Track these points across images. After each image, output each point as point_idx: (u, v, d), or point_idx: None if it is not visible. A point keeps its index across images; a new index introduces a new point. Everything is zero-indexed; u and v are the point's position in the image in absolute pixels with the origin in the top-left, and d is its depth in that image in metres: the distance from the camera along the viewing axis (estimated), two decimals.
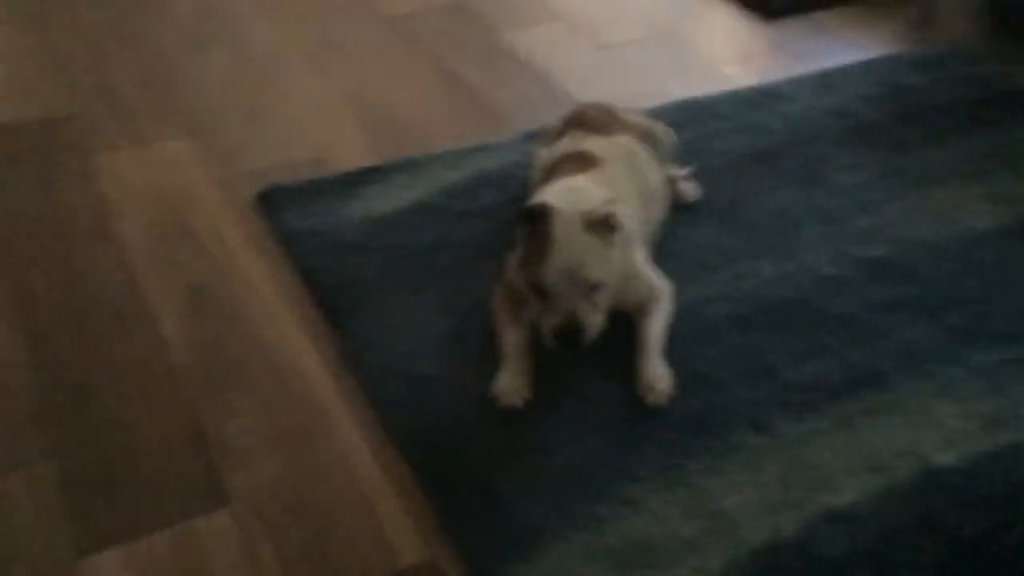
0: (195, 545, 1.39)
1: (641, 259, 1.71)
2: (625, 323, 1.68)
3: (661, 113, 2.17)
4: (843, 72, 2.46)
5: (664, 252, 1.86)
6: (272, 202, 2.00)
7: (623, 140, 1.83)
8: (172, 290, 1.81)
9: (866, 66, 2.49)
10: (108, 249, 1.91)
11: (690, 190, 2.02)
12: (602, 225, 1.54)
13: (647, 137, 1.90)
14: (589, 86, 2.42)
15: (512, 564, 1.34)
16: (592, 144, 1.80)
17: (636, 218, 1.72)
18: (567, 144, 1.83)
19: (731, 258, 1.88)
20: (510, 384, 1.58)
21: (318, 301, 1.78)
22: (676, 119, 2.17)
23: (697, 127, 2.24)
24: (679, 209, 1.97)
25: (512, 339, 1.63)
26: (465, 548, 1.37)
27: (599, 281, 1.54)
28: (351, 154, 2.19)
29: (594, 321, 1.55)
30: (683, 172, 2.03)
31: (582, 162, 1.76)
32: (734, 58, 2.60)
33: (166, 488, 1.46)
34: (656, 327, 1.67)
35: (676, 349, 1.66)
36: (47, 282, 1.83)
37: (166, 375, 1.64)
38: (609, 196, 1.60)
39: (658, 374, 1.59)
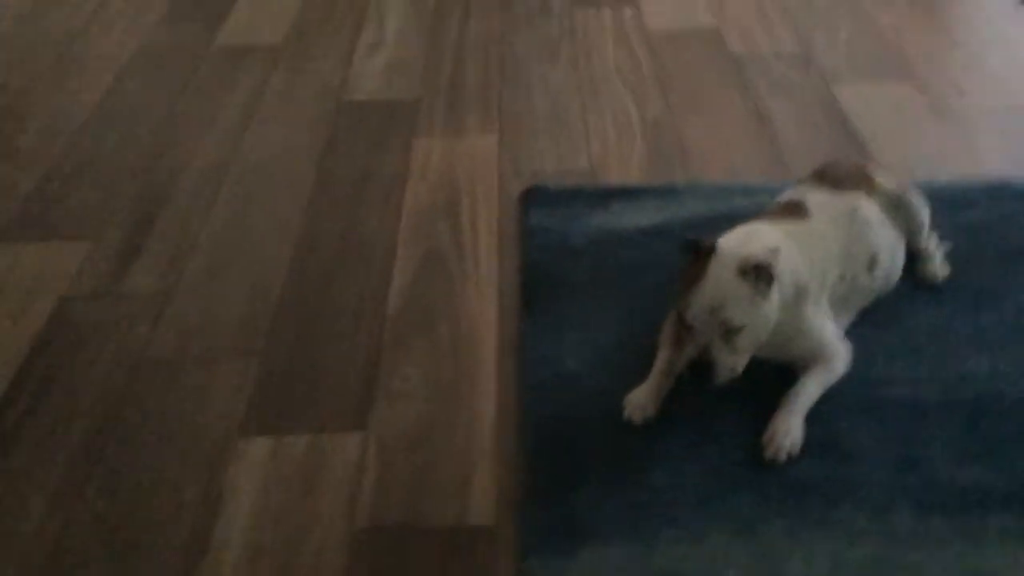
0: (321, 454, 1.63)
1: (816, 317, 1.66)
2: (786, 376, 1.66)
3: (965, 191, 2.07)
4: None
5: (874, 322, 1.78)
6: (531, 199, 2.20)
7: (850, 198, 1.78)
8: (415, 251, 2.08)
9: None
10: (388, 209, 2.23)
11: (935, 269, 1.89)
12: (756, 271, 1.55)
13: (893, 204, 1.83)
14: (906, 153, 2.33)
15: (552, 556, 1.42)
16: (813, 196, 1.78)
17: (828, 276, 1.68)
18: (793, 192, 1.83)
19: (944, 345, 1.75)
20: (639, 399, 1.63)
21: (521, 285, 1.95)
22: (974, 197, 2.06)
23: (992, 208, 2.08)
24: (914, 284, 1.87)
25: (662, 359, 1.68)
26: (521, 527, 1.47)
27: (739, 325, 1.55)
28: (625, 170, 2.32)
29: (728, 362, 1.56)
30: (936, 248, 1.91)
31: (790, 212, 1.75)
32: None
33: (325, 403, 1.72)
34: (809, 385, 1.63)
35: (831, 417, 1.61)
36: (334, 222, 2.18)
37: (374, 316, 1.91)
38: (776, 246, 1.59)
39: (786, 428, 1.56)
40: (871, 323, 1.79)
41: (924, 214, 1.88)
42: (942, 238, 1.96)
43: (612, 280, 1.95)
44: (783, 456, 1.54)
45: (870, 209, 1.79)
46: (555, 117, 2.57)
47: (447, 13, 3.18)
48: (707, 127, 2.50)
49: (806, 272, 1.65)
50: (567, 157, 2.40)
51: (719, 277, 1.55)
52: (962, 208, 2.08)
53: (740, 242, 1.61)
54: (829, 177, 1.85)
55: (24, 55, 3.01)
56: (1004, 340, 1.75)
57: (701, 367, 1.56)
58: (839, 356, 1.67)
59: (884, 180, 1.86)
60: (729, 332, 1.55)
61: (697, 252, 1.60)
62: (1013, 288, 1.87)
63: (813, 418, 1.61)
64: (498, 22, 3.10)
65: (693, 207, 2.15)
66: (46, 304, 1.98)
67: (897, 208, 1.84)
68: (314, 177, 2.36)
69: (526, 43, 2.96)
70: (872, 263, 1.77)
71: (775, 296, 1.58)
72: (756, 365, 1.62)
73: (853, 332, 1.76)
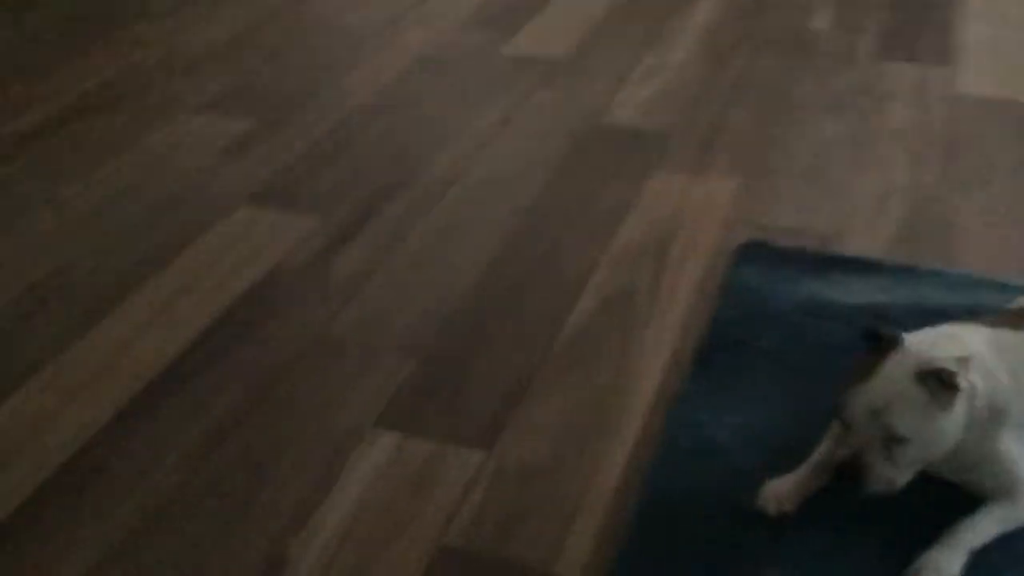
0: (439, 463, 1.60)
1: (1013, 445, 1.40)
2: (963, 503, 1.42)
3: None
4: None
5: None
6: (744, 254, 2.04)
7: None
8: (608, 286, 2.00)
9: None
10: (597, 238, 2.16)
11: None
12: (936, 379, 1.33)
13: None
14: None
15: None
16: None
17: None
18: None
19: None
20: (779, 489, 1.46)
21: (700, 341, 1.81)
22: None
23: None
24: None
25: (819, 452, 1.50)
26: None
27: (903, 435, 1.34)
28: (869, 240, 2.10)
29: (884, 474, 1.36)
30: None
31: (1018, 319, 1.49)
32: None
33: (461, 415, 1.69)
34: (984, 520, 1.38)
35: (1000, 568, 1.35)
36: (538, 242, 2.15)
37: (541, 342, 1.86)
38: (969, 354, 1.36)
39: (937, 565, 1.33)
40: None
41: None
42: None
43: (801, 356, 1.76)
44: None
45: None
46: (811, 171, 2.38)
47: (737, 50, 3.05)
48: (983, 208, 2.21)
49: (1009, 391, 1.40)
50: (807, 215, 2.21)
51: (891, 377, 1.36)
52: None
53: (931, 342, 1.40)
54: None
55: (330, 40, 3.24)
56: None
57: (852, 470, 1.37)
58: None
59: None
60: (890, 440, 1.34)
61: (878, 343, 1.40)
62: None
63: (979, 565, 1.36)
64: (788, 65, 2.93)
65: (928, 294, 1.90)
66: (257, 270, 2.10)
67: None
68: (537, 194, 2.34)
69: (810, 90, 2.77)
70: None
71: (959, 412, 1.35)
72: (927, 481, 1.40)
73: None
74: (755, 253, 2.05)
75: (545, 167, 2.45)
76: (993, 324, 1.50)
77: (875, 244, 2.10)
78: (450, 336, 1.89)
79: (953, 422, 1.35)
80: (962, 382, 1.33)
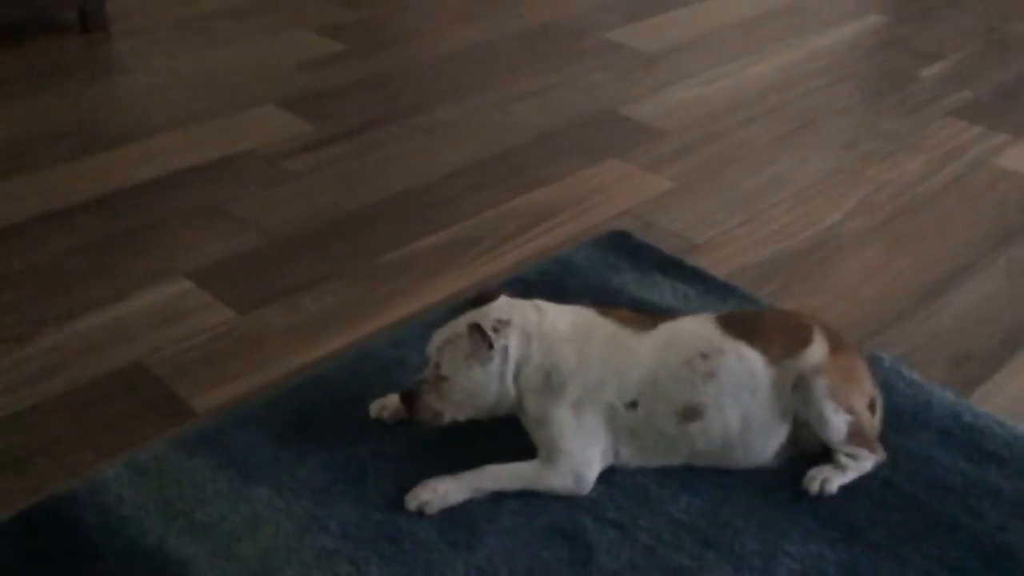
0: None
1: (567, 419, 1.55)
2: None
3: None
4: None
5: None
6: (607, 237, 2.20)
7: (724, 344, 1.59)
8: (476, 226, 2.24)
9: None
10: (512, 192, 2.39)
11: (821, 475, 1.56)
12: (479, 333, 1.52)
13: (794, 383, 1.55)
14: None
15: None
16: (696, 323, 1.62)
17: (607, 392, 1.56)
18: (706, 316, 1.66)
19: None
20: (385, 401, 1.68)
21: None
22: None
23: None
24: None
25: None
26: None
27: (445, 375, 1.56)
28: (722, 262, 2.17)
29: (431, 406, 1.57)
30: (847, 462, 1.56)
31: (646, 321, 1.62)
32: None
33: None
34: (510, 473, 1.56)
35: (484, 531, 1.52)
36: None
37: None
38: (511, 321, 1.56)
39: (438, 487, 1.53)
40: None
41: (836, 422, 1.55)
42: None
43: None
44: (412, 506, 1.51)
45: (737, 366, 1.56)
46: (742, 199, 2.42)
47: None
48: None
49: (573, 371, 1.55)
50: (699, 228, 2.29)
51: (457, 324, 1.58)
52: None
53: (509, 308, 1.59)
54: (750, 321, 1.63)
55: None
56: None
57: (409, 398, 1.59)
58: (565, 472, 1.54)
59: (807, 358, 1.56)
60: (439, 378, 1.56)
61: (480, 297, 1.60)
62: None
63: (473, 510, 1.53)
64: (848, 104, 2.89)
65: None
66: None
67: (797, 390, 1.55)
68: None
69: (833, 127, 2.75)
70: (690, 414, 1.55)
71: (494, 368, 1.54)
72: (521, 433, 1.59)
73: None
74: (614, 240, 2.19)
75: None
76: (602, 313, 1.63)
77: (729, 268, 2.16)
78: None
79: (489, 375, 1.54)
80: (496, 342, 1.50)
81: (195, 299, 2.00)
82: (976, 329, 2.01)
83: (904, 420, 1.72)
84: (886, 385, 1.77)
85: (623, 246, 2.18)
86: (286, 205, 2.32)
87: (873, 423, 1.63)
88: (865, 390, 1.61)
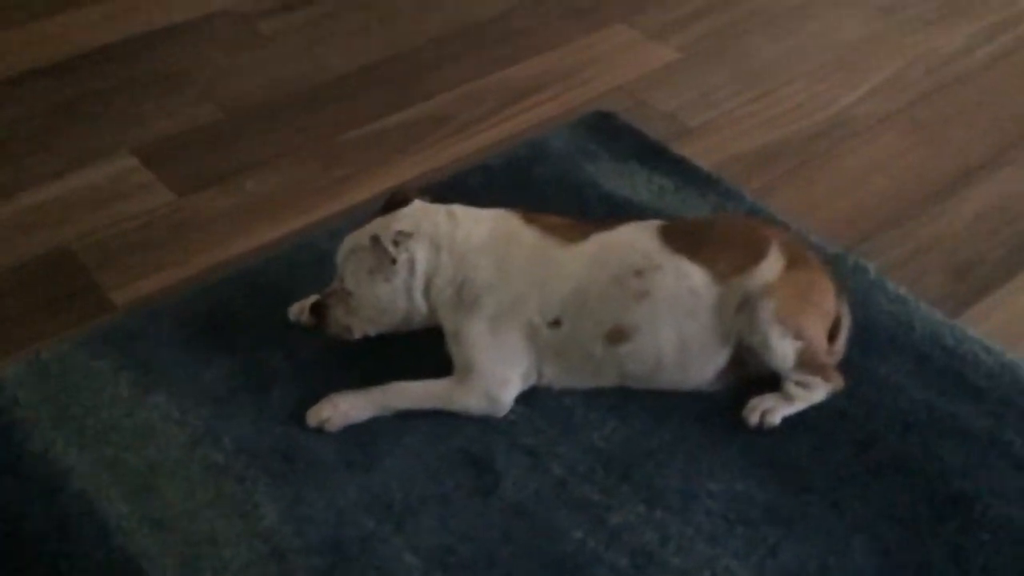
0: None
1: (482, 336, 1.42)
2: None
3: None
4: None
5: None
6: (590, 118, 2.01)
7: (663, 259, 1.42)
8: (456, 100, 2.07)
9: None
10: (504, 62, 2.20)
11: (763, 404, 1.41)
12: (379, 247, 1.40)
13: (740, 304, 1.39)
14: None
15: None
16: (634, 231, 1.47)
17: (527, 308, 1.42)
18: (649, 223, 1.49)
19: None
20: (304, 304, 1.57)
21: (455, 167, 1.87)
22: None
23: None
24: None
25: None
26: None
27: (349, 289, 1.45)
28: (711, 151, 1.96)
29: (340, 320, 1.47)
30: (797, 390, 1.40)
31: (583, 227, 1.46)
32: None
33: None
34: (419, 390, 1.44)
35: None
36: None
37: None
38: (414, 233, 1.42)
39: (340, 401, 1.43)
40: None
41: (782, 348, 1.38)
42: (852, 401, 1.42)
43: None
44: (312, 422, 1.42)
45: (675, 285, 1.40)
46: (748, 77, 2.18)
47: None
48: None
49: (489, 284, 1.42)
50: (692, 110, 2.08)
51: (360, 234, 1.46)
52: None
53: (418, 216, 1.45)
54: (698, 232, 1.45)
55: None
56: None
57: (318, 310, 1.48)
58: (479, 392, 1.42)
59: (757, 276, 1.39)
60: (344, 291, 1.45)
61: (391, 200, 1.48)
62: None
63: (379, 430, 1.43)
64: None
65: (694, 209, 1.78)
66: None
67: (741, 312, 1.38)
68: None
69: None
70: (618, 336, 1.40)
71: (399, 282, 1.42)
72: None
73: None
74: (596, 122, 2.00)
75: None
76: (527, 219, 1.47)
77: (720, 157, 1.95)
78: None
79: (395, 290, 1.42)
80: (398, 255, 1.37)
81: (138, 178, 1.89)
82: (987, 235, 1.78)
83: (878, 342, 1.54)
84: (865, 301, 1.59)
85: (604, 129, 1.98)
86: (251, 74, 2.17)
87: (835, 348, 1.46)
88: (824, 311, 1.43)
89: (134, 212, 1.82)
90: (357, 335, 1.47)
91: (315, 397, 1.44)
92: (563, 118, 2.03)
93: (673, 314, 1.40)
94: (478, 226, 1.44)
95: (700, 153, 1.94)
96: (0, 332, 1.59)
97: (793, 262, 1.43)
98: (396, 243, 1.40)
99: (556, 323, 1.41)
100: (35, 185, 1.87)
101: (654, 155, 1.92)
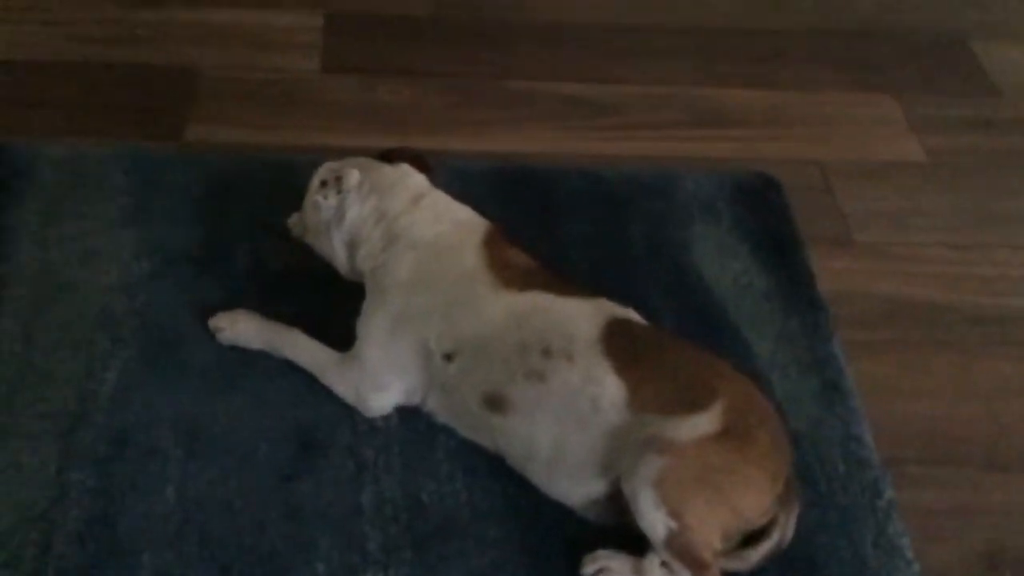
0: None
1: (378, 324, 1.32)
2: None
3: None
4: None
5: None
6: None
7: (581, 351, 1.22)
8: None
9: None
10: None
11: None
12: (319, 179, 1.40)
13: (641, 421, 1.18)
14: None
15: None
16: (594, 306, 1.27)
17: (433, 325, 1.29)
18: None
19: None
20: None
21: None
22: None
23: None
24: None
25: None
26: None
27: (307, 223, 1.45)
28: None
29: (300, 221, 1.48)
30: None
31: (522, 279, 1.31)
32: None
33: None
34: (307, 352, 1.37)
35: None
36: None
37: None
38: (372, 199, 1.36)
39: (233, 316, 1.41)
40: None
41: (652, 518, 1.14)
42: None
43: None
44: (210, 325, 1.41)
45: (579, 386, 1.21)
46: None
47: None
48: None
49: (400, 282, 1.32)
50: None
51: (333, 164, 1.43)
52: None
53: (384, 182, 1.38)
54: (650, 346, 1.25)
55: None
56: None
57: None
58: (351, 382, 1.33)
59: (673, 427, 1.15)
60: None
61: (387, 152, 1.46)
62: None
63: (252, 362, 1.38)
64: None
65: None
66: None
67: (630, 456, 1.16)
68: None
69: None
70: (495, 403, 1.24)
71: (321, 221, 1.40)
72: None
73: None
74: (752, 183, 1.72)
75: None
76: (488, 242, 1.32)
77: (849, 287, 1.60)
78: None
79: (319, 223, 1.40)
80: (324, 196, 1.35)
81: (305, 38, 1.94)
82: None
83: None
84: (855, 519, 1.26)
85: (750, 195, 1.70)
86: None
87: (743, 555, 1.18)
88: (731, 506, 1.14)
89: (276, 66, 1.86)
90: (306, 241, 1.47)
91: (239, 302, 1.43)
92: (727, 163, 1.76)
93: (561, 414, 1.20)
94: (433, 223, 1.33)
95: (832, 273, 1.60)
96: (67, 114, 1.72)
97: (730, 434, 1.15)
98: (324, 183, 1.37)
99: (448, 358, 1.27)
100: (210, 5, 1.96)
101: (777, 250, 1.62)
